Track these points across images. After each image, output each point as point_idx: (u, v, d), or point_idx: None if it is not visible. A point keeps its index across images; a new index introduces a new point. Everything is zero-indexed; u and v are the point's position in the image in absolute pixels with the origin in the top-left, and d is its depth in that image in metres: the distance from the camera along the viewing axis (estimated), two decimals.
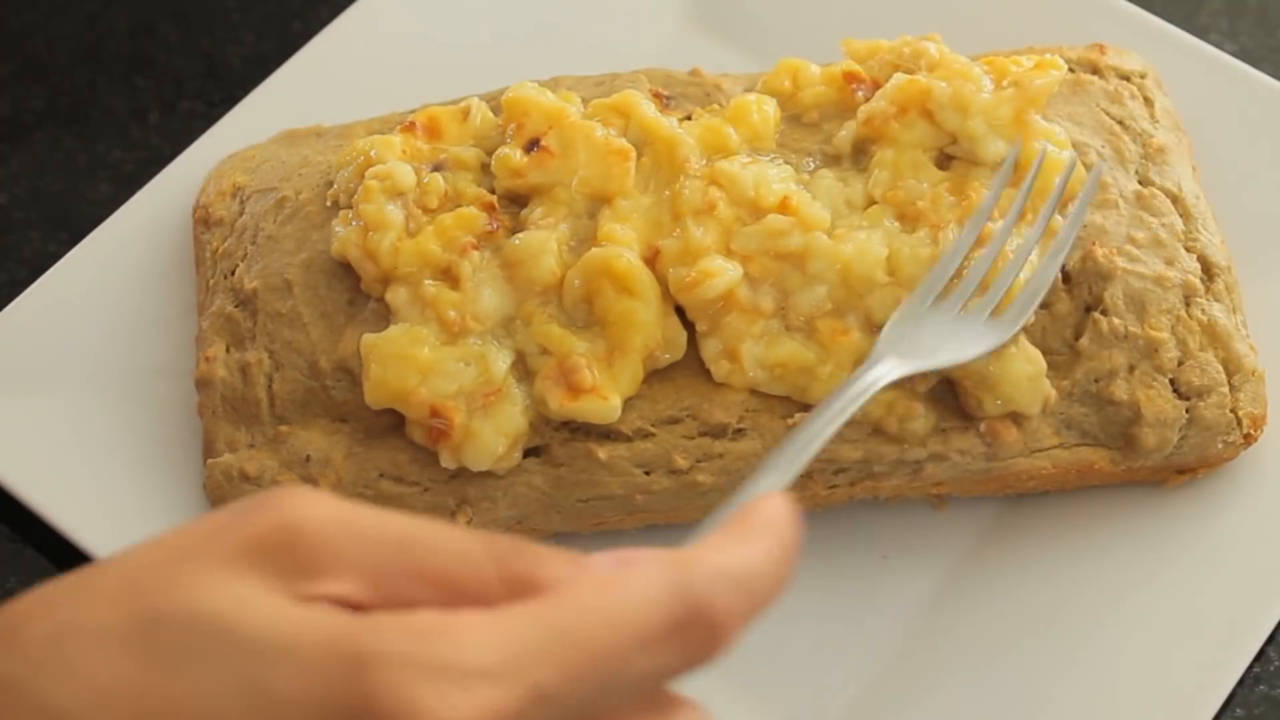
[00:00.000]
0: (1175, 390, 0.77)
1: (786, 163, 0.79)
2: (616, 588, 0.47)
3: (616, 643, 0.46)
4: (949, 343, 0.74)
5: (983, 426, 0.76)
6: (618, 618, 0.47)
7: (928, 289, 0.75)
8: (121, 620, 0.47)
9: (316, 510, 0.48)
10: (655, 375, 0.76)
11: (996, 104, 0.78)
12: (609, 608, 0.47)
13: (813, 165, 0.80)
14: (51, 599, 0.49)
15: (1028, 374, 0.75)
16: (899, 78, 0.79)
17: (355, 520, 0.48)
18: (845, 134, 0.80)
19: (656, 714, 0.49)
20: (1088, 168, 0.79)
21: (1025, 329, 0.75)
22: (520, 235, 0.77)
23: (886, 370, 0.71)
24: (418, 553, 0.48)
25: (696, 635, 0.48)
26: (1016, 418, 0.76)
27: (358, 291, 0.79)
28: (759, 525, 0.51)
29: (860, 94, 0.81)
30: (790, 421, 0.76)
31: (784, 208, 0.76)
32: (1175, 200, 0.81)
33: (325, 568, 0.47)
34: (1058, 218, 0.77)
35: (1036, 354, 0.76)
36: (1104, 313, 0.77)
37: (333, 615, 0.46)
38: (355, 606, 0.47)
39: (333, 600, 0.47)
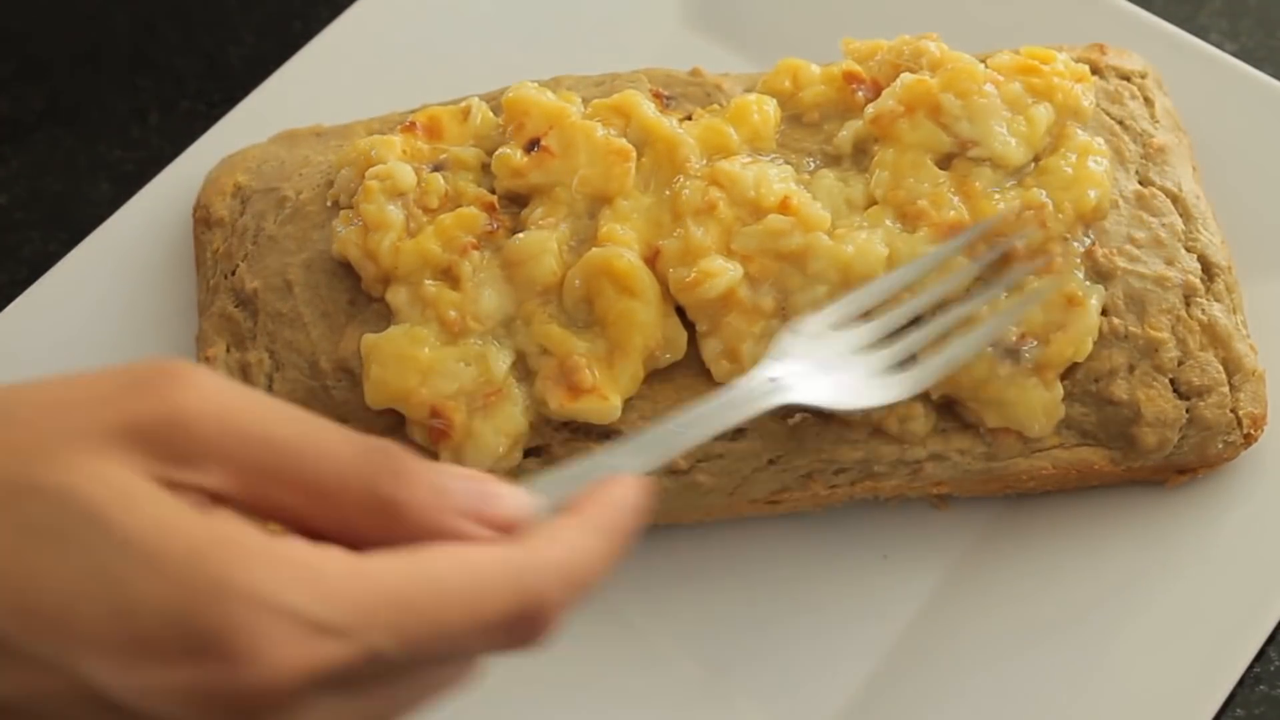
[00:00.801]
0: (1175, 390, 0.77)
1: (787, 163, 0.79)
2: (467, 566, 0.50)
3: (457, 625, 0.50)
4: (848, 379, 0.71)
5: (983, 428, 0.76)
6: (463, 602, 0.50)
7: (845, 309, 0.73)
8: None
9: (204, 401, 0.49)
10: (655, 375, 0.76)
11: (1035, 114, 0.78)
12: (457, 589, 0.49)
13: (813, 165, 0.80)
14: None
15: (1043, 404, 0.75)
16: (907, 77, 0.79)
17: (240, 415, 0.50)
18: (846, 134, 0.80)
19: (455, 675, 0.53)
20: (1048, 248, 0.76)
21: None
22: (520, 235, 0.77)
23: (777, 391, 0.68)
24: (292, 459, 0.50)
25: (525, 626, 0.51)
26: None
27: (358, 291, 0.79)
28: (603, 517, 0.54)
29: (860, 94, 0.81)
30: (790, 421, 0.76)
31: (784, 208, 0.76)
32: (1175, 200, 0.81)
33: (200, 460, 0.49)
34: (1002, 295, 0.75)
35: (1058, 388, 0.76)
36: (1104, 313, 0.77)
37: (202, 522, 0.48)
38: (223, 500, 0.49)
39: (201, 491, 0.49)
